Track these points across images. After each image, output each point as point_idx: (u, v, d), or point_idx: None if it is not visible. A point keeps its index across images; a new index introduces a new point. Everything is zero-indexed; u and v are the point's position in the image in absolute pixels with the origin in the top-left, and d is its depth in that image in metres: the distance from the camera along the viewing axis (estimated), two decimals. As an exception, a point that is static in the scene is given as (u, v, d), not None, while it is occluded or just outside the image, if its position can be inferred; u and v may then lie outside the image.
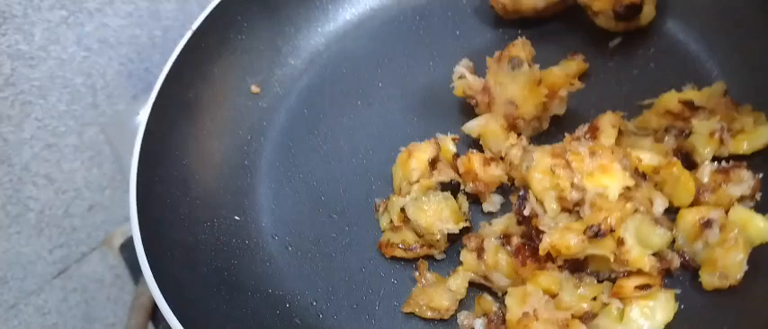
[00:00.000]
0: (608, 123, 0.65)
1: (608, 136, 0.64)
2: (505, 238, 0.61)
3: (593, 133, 0.65)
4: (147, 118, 0.72)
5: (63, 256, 1.13)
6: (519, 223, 0.59)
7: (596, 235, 0.54)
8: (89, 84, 0.99)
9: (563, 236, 0.55)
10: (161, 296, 0.58)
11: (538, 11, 0.78)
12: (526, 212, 0.58)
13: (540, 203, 0.59)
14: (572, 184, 0.57)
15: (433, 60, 0.83)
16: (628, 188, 0.57)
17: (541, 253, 0.56)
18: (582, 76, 0.75)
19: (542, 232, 0.57)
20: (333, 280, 0.68)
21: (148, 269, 0.60)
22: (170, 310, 0.57)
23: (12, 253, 1.08)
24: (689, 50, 0.74)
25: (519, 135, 0.69)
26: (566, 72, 0.71)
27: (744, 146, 0.62)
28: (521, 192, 0.59)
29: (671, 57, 0.74)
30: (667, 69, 0.73)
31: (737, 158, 0.62)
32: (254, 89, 0.84)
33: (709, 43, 0.73)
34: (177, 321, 0.56)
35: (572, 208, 0.58)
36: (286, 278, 0.69)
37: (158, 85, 0.76)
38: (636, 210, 0.57)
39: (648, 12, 0.73)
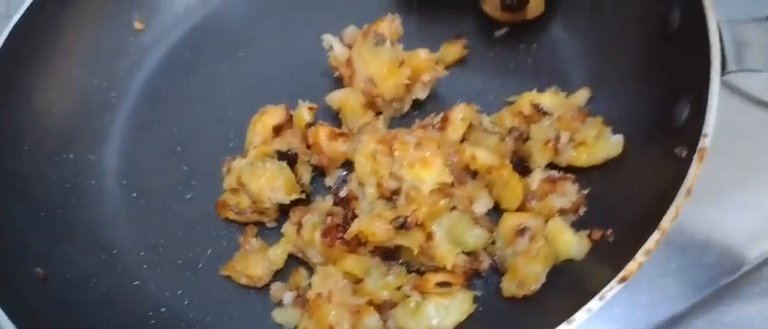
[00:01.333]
0: (458, 116, 0.63)
1: (455, 128, 0.63)
2: (328, 216, 0.60)
3: (443, 124, 0.64)
4: (3, 40, 0.69)
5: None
6: (335, 204, 0.59)
7: (402, 226, 0.54)
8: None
9: (371, 223, 0.55)
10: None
11: None
12: (342, 194, 0.57)
13: (361, 187, 0.58)
14: (390, 173, 0.56)
15: (323, 24, 0.79)
16: (448, 184, 0.56)
17: (348, 236, 0.56)
18: (459, 63, 0.73)
19: (356, 216, 0.57)
20: (166, 233, 0.68)
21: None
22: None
23: None
24: (567, 53, 0.72)
25: (378, 114, 0.68)
26: (436, 56, 0.69)
27: (582, 158, 0.61)
28: (342, 173, 0.58)
29: (550, 57, 0.72)
30: (543, 68, 0.72)
31: (574, 170, 0.61)
32: (138, 25, 0.82)
33: (587, 50, 0.71)
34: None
35: (390, 197, 0.57)
36: (122, 224, 0.69)
37: (25, 6, 0.72)
38: (454, 208, 0.57)
39: (536, 5, 0.71)
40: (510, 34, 0.75)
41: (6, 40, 0.69)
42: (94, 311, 0.60)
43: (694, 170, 0.47)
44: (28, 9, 0.71)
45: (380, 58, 0.65)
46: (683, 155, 0.50)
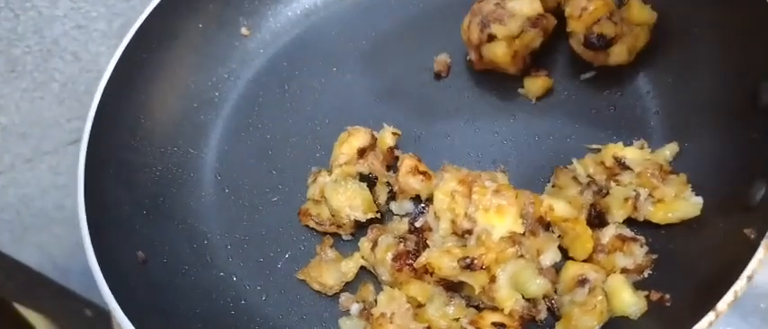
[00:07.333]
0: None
1: None
2: (402, 240, 0.64)
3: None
4: (129, 39, 0.77)
5: (79, 127, 1.23)
6: (410, 232, 0.63)
7: (468, 266, 0.57)
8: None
9: (440, 257, 0.59)
10: (83, 205, 0.65)
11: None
12: (418, 224, 0.61)
13: (437, 220, 0.62)
14: (465, 213, 0.59)
15: (418, 49, 0.83)
16: (519, 234, 0.59)
17: (416, 265, 0.60)
18: (544, 95, 0.75)
19: (427, 246, 0.61)
20: (251, 230, 0.74)
21: (82, 180, 0.66)
22: (85, 220, 0.63)
23: (34, 114, 1.18)
24: (652, 106, 0.72)
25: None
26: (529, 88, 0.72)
27: (658, 215, 0.62)
28: (421, 205, 0.62)
29: (633, 108, 0.72)
30: (625, 118, 0.72)
31: (652, 226, 0.62)
32: (244, 31, 0.88)
33: (672, 106, 0.71)
34: (87, 229, 0.63)
35: (461, 234, 0.60)
36: (213, 217, 0.76)
37: (150, 8, 0.80)
38: (521, 256, 0.59)
39: (619, 52, 0.71)
40: (596, 79, 0.76)
41: (130, 40, 0.77)
42: (184, 296, 0.67)
43: (760, 255, 0.48)
44: (150, 13, 0.79)
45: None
46: (752, 237, 0.51)
